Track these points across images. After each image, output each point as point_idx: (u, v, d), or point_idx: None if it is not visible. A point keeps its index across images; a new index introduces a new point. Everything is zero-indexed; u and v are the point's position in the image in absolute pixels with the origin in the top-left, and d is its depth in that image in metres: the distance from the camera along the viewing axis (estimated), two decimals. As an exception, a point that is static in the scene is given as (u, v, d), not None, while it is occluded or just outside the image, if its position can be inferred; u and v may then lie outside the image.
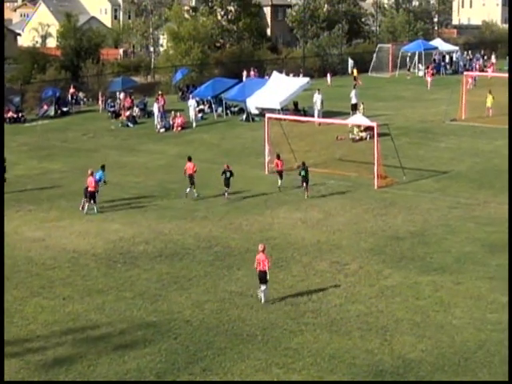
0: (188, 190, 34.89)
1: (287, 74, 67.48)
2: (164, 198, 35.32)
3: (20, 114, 58.11)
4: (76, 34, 73.72)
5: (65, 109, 60.27)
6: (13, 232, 30.72)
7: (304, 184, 34.82)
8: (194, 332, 21.50)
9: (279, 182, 36.22)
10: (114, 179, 37.34)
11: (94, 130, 52.88)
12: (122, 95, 59.89)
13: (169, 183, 37.76)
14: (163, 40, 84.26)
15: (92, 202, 33.29)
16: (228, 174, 34.77)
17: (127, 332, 21.64)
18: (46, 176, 40.47)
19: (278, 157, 36.64)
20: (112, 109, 57.79)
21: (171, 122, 52.85)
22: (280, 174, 36.36)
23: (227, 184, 34.87)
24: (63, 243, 29.37)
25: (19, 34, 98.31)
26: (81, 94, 64.13)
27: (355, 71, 74.15)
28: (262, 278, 23.47)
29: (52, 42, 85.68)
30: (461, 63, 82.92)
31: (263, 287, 23.44)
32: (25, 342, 21.11)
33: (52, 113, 58.96)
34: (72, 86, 64.08)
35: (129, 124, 54.47)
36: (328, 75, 75.50)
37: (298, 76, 68.57)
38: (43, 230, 30.98)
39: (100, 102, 60.85)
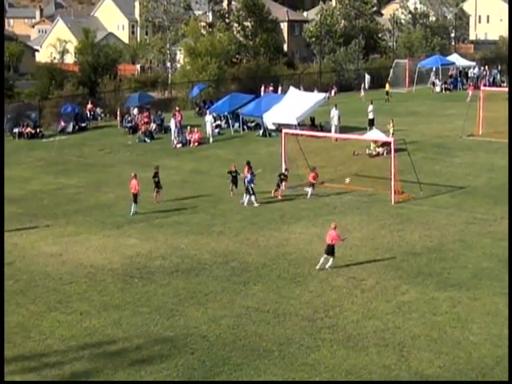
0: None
1: (312, 90, 67.81)
2: (180, 214, 35.44)
3: (38, 130, 58.54)
4: (93, 50, 74.28)
5: (83, 124, 60.65)
6: (30, 247, 30.91)
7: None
8: (211, 347, 21.53)
9: (309, 191, 37.42)
10: (129, 194, 37.45)
11: (111, 146, 53.14)
12: (135, 110, 60.17)
13: (184, 198, 37.87)
14: (180, 56, 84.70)
15: (134, 204, 35.00)
16: (234, 174, 37.40)
17: (144, 347, 21.69)
18: (61, 191, 40.69)
19: (314, 169, 37.91)
20: (129, 124, 58.07)
21: (188, 138, 53.03)
22: (312, 185, 37.39)
23: (235, 182, 37.59)
24: (80, 258, 29.50)
25: (37, 50, 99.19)
26: (98, 110, 64.55)
27: (387, 86, 74.08)
28: (330, 251, 27.20)
29: (69, 58, 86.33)
30: (475, 77, 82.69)
31: (330, 258, 27.13)
32: (42, 357, 21.20)
33: (70, 129, 59.35)
34: (90, 102, 64.53)
35: (146, 139, 54.70)
36: (333, 90, 75.97)
37: (320, 91, 68.69)
38: (60, 245, 31.14)
39: (118, 117, 61.16)
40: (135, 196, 35.50)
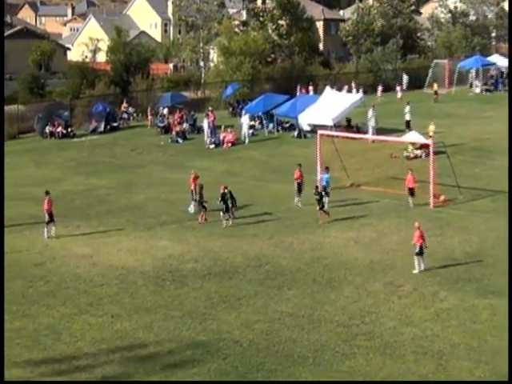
0: None
1: (357, 91, 67.63)
2: (212, 215, 35.40)
3: (69, 129, 58.94)
4: (126, 49, 74.59)
5: (114, 124, 60.97)
6: (60, 248, 31.13)
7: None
8: (244, 353, 21.50)
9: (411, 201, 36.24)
10: (161, 195, 37.68)
11: (143, 146, 53.35)
12: (165, 111, 60.31)
13: (215, 200, 37.67)
14: (213, 55, 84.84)
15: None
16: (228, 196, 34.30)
17: (176, 351, 21.73)
18: (92, 192, 40.92)
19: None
20: (161, 124, 58.25)
21: (221, 138, 53.08)
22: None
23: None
24: (111, 260, 29.65)
25: (69, 49, 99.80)
26: (130, 109, 64.85)
27: (435, 85, 73.55)
28: (417, 251, 27.38)
29: (101, 57, 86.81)
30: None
31: (419, 258, 27.34)
32: (72, 360, 21.31)
33: (102, 129, 59.70)
34: (125, 101, 64.84)
35: (178, 140, 54.85)
36: (379, 89, 75.40)
37: (358, 92, 68.44)
38: (91, 247, 31.31)
39: (149, 117, 61.39)
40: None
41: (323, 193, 34.75)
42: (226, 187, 34.24)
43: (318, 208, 33.96)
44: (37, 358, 21.31)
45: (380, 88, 75.70)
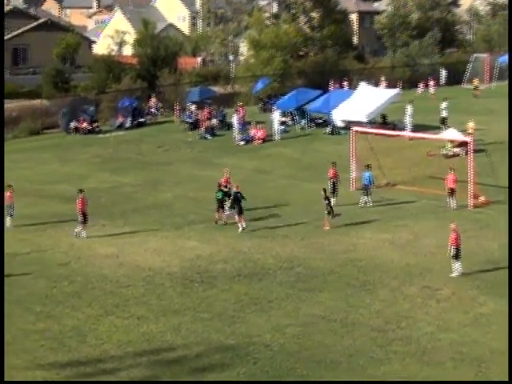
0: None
1: (394, 86, 67.46)
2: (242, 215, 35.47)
3: (95, 125, 59.27)
4: (153, 42, 74.81)
5: (141, 120, 61.22)
6: (86, 247, 31.36)
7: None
8: (275, 357, 21.55)
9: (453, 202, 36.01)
10: (188, 193, 37.76)
11: (170, 142, 53.56)
12: (193, 107, 60.43)
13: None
14: (243, 48, 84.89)
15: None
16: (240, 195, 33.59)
17: (204, 355, 21.81)
18: (118, 189, 41.18)
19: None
20: (190, 120, 58.40)
21: (251, 135, 53.15)
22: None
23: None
24: (137, 260, 29.81)
25: (94, 42, 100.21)
26: (158, 105, 65.00)
27: (476, 81, 73.10)
28: (454, 254, 27.24)
29: (128, 50, 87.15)
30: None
31: (456, 262, 27.22)
32: (98, 363, 21.47)
33: (128, 124, 59.97)
34: (153, 96, 65.10)
35: (207, 136, 55.00)
36: (420, 85, 75.07)
37: (395, 87, 68.16)
38: (116, 246, 31.52)
39: (177, 112, 61.57)
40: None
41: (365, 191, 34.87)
42: (238, 186, 33.93)
43: (326, 212, 33.39)
44: (62, 360, 21.50)
45: (425, 84, 75.21)
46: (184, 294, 26.39)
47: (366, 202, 36.47)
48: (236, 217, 33.37)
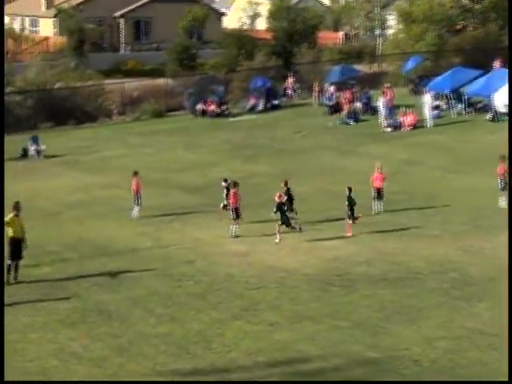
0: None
1: None
2: (388, 212, 35.30)
3: (224, 107, 59.93)
4: (289, 15, 75.25)
5: (275, 102, 61.56)
6: (214, 243, 31.77)
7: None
8: (424, 374, 21.30)
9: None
10: (328, 186, 37.64)
11: (308, 128, 53.75)
12: (332, 88, 60.31)
13: (393, 194, 37.43)
14: (392, 22, 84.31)
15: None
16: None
17: (343, 368, 21.74)
18: (250, 180, 41.46)
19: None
20: (330, 103, 58.41)
21: (400, 120, 52.74)
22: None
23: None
24: (269, 260, 30.00)
25: (224, 14, 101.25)
26: (296, 85, 65.26)
27: None
28: None
29: (261, 24, 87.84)
30: None
31: None
32: (224, 373, 21.64)
33: (261, 107, 60.42)
34: (291, 76, 65.39)
35: (349, 121, 54.93)
36: None
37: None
38: (247, 243, 31.81)
39: (315, 94, 61.67)
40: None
41: None
42: (281, 195, 32.44)
43: (348, 220, 32.75)
44: (184, 368, 21.78)
45: None
46: (321, 298, 26.40)
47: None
48: (276, 226, 32.05)
